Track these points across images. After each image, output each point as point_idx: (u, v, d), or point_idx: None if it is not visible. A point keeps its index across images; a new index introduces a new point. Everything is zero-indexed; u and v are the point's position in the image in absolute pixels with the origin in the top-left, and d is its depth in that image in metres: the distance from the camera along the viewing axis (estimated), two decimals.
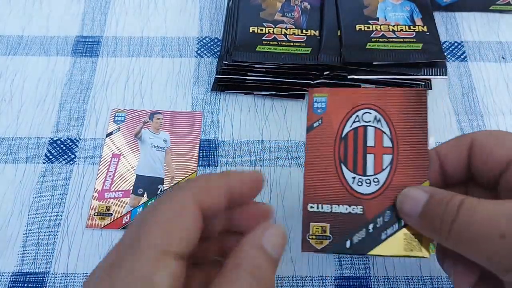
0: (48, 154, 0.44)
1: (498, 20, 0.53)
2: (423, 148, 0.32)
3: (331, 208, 0.32)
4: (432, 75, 0.43)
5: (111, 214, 0.41)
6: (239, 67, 0.44)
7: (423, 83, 0.46)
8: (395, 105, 0.33)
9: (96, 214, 0.41)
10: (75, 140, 0.45)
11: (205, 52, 0.50)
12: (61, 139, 0.45)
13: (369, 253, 0.31)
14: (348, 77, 0.43)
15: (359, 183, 0.32)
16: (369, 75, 0.43)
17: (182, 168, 0.43)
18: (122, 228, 0.40)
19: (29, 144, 0.44)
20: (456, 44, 0.51)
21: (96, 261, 0.38)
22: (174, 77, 0.48)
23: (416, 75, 0.43)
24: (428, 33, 0.45)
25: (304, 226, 0.32)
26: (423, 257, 0.30)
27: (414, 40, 0.44)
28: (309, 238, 0.31)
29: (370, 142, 0.32)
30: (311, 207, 0.32)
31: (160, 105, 0.47)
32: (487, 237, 0.24)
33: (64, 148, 0.44)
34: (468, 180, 0.31)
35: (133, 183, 0.42)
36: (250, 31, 0.45)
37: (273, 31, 0.45)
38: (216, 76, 0.46)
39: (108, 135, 0.45)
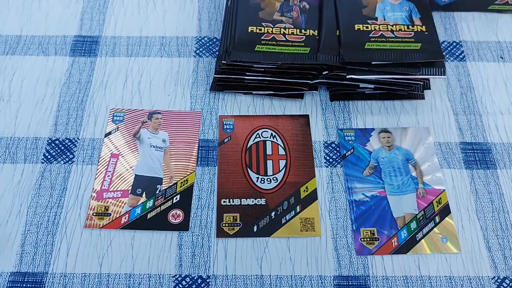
0: (47, 154, 0.44)
1: (497, 19, 0.53)
2: (309, 154, 0.43)
3: (240, 201, 0.41)
4: (430, 74, 0.43)
5: (110, 214, 0.40)
6: (238, 67, 0.44)
7: (422, 83, 0.46)
8: (285, 126, 0.44)
9: (94, 214, 0.40)
10: (73, 140, 0.44)
11: (203, 51, 0.50)
12: (60, 139, 0.45)
13: (272, 235, 0.39)
14: (347, 76, 0.43)
15: (262, 181, 0.42)
16: (368, 74, 0.43)
17: (181, 168, 0.43)
18: (120, 228, 0.40)
19: (27, 144, 0.44)
20: (454, 43, 0.51)
21: (95, 261, 0.39)
22: (172, 76, 0.48)
23: (415, 74, 0.43)
24: (426, 33, 0.45)
25: (219, 217, 0.40)
26: (316, 236, 0.39)
27: (413, 39, 0.44)
28: (222, 226, 0.39)
29: (269, 151, 0.43)
30: (224, 201, 0.41)
31: (159, 105, 0.47)
32: None
33: (62, 148, 0.44)
34: None
35: (132, 183, 0.42)
36: (249, 30, 0.45)
37: (272, 31, 0.45)
38: (215, 75, 0.46)
39: (107, 135, 0.45)
